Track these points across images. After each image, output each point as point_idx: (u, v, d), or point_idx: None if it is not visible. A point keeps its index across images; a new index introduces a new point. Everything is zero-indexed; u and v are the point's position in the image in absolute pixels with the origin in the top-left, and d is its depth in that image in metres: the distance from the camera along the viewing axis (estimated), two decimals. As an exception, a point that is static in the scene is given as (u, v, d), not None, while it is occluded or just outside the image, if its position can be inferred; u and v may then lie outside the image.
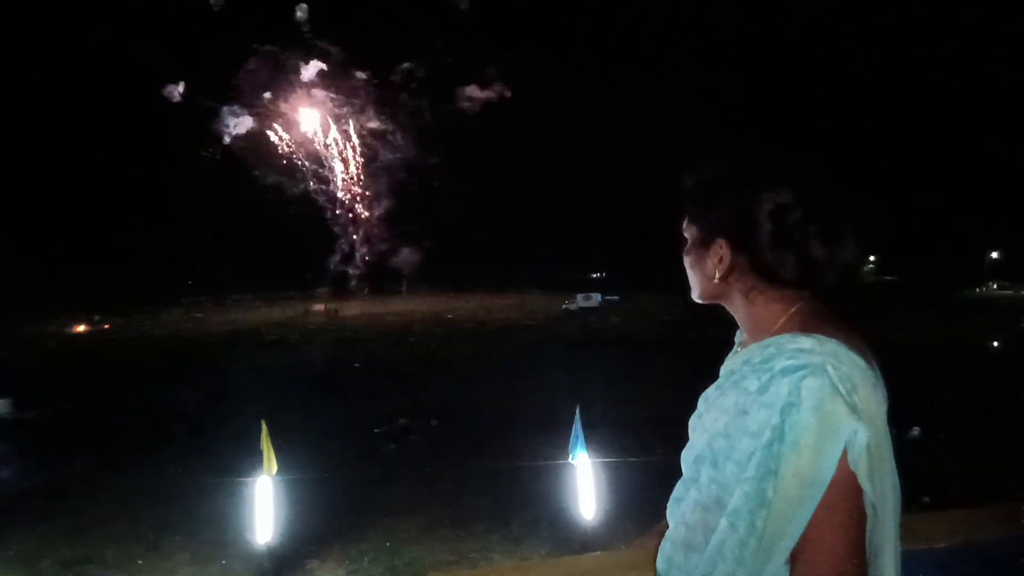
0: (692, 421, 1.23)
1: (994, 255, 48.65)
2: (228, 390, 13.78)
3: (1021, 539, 1.54)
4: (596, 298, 36.25)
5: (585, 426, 6.64)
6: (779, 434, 1.00)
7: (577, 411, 6.62)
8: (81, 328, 28.31)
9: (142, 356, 21.10)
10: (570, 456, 6.57)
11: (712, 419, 1.15)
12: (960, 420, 10.75)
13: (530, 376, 15.28)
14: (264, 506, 6.14)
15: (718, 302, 1.22)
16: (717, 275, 1.16)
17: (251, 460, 6.34)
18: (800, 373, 1.02)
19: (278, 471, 6.47)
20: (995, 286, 45.56)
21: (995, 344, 20.15)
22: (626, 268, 37.27)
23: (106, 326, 28.75)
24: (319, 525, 7.05)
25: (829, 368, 1.01)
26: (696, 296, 1.23)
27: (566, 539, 6.51)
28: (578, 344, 21.90)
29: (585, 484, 6.48)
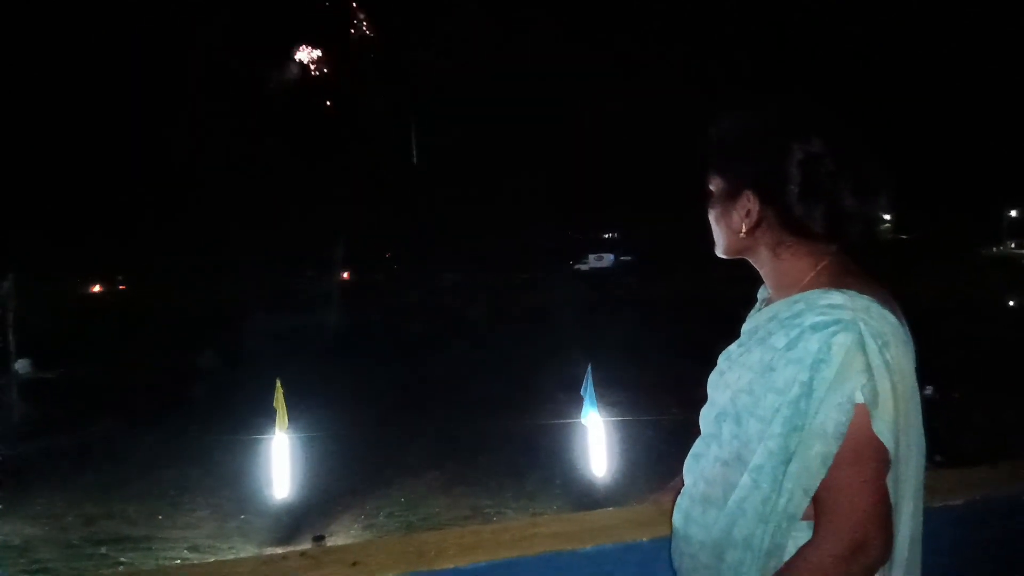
0: (712, 379, 1.21)
1: (1012, 214, 47.96)
2: (248, 352, 13.89)
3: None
4: (609, 258, 36.14)
5: (597, 386, 6.66)
6: (807, 390, 0.98)
7: (588, 371, 6.63)
8: (98, 288, 28.49)
9: (161, 317, 21.30)
10: (582, 415, 6.61)
11: (736, 376, 1.12)
12: (975, 379, 10.71)
13: (543, 337, 15.31)
14: (281, 462, 6.23)
15: (743, 257, 1.18)
16: (744, 229, 1.12)
17: (270, 419, 6.41)
18: (831, 329, 0.99)
19: (297, 429, 6.55)
20: (1012, 245, 44.99)
21: (1011, 303, 19.97)
22: (640, 228, 36.98)
23: (121, 287, 28.93)
24: (337, 481, 7.16)
25: (861, 324, 0.99)
26: (720, 251, 1.20)
27: (579, 495, 6.58)
28: (591, 305, 21.89)
29: (596, 442, 6.52)
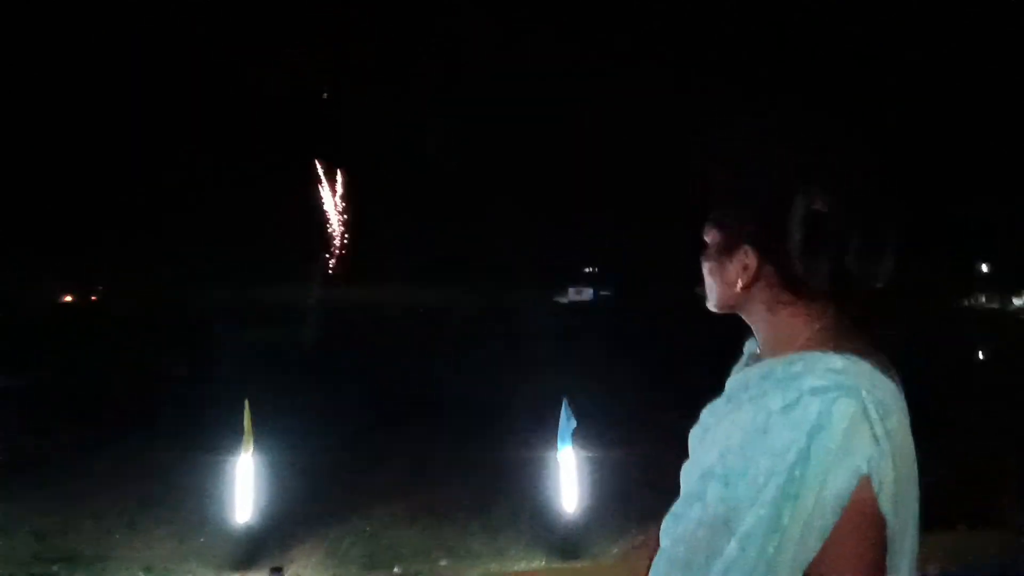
0: (695, 433, 1.14)
1: (984, 267, 48.74)
2: (219, 367, 13.64)
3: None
4: (588, 292, 36.25)
5: (572, 418, 6.54)
6: (804, 457, 0.93)
7: (564, 403, 6.52)
8: (70, 298, 28.08)
9: (133, 328, 20.93)
10: (557, 448, 6.47)
11: (724, 434, 1.05)
12: (944, 431, 10.72)
13: (519, 368, 15.20)
14: (244, 486, 6.03)
15: (736, 312, 1.13)
16: (740, 284, 1.08)
17: (236, 438, 6.23)
18: (832, 395, 0.94)
19: (263, 451, 6.37)
20: (983, 299, 45.66)
21: (980, 355, 20.16)
22: (620, 264, 37.15)
23: (93, 297, 28.50)
24: (301, 507, 6.96)
25: (863, 391, 0.94)
26: (713, 305, 1.15)
27: (546, 531, 6.43)
28: (569, 338, 21.86)
29: (568, 477, 6.38)
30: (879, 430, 0.93)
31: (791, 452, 0.94)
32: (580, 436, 6.68)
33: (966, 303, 44.29)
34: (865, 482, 0.92)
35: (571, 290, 35.69)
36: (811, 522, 0.92)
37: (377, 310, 28.60)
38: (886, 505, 0.92)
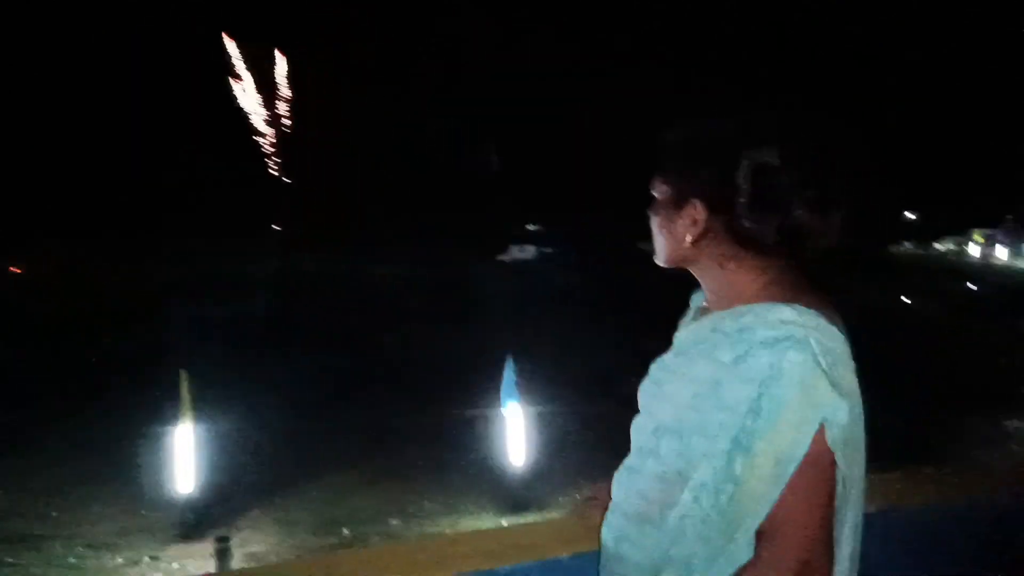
0: (646, 388, 1.14)
1: (910, 215, 50.49)
2: (168, 341, 13.26)
3: (981, 502, 1.52)
4: (531, 250, 36.31)
5: (520, 377, 6.61)
6: (756, 408, 0.93)
7: (508, 361, 6.60)
8: (17, 269, 26.80)
9: (78, 301, 20.17)
10: (501, 405, 6.53)
11: (676, 389, 1.06)
12: (884, 383, 11.12)
13: (467, 328, 15.21)
14: (185, 456, 5.91)
15: (684, 267, 1.12)
16: (689, 239, 1.07)
17: (176, 411, 6.10)
18: (782, 345, 0.94)
19: (209, 422, 6.26)
20: (909, 246, 47.41)
21: (909, 302, 20.97)
22: (564, 221, 37.32)
23: (17, 270, 27.17)
24: (250, 476, 6.90)
25: (812, 341, 0.95)
26: (661, 259, 1.14)
27: (495, 487, 6.51)
28: (512, 296, 21.92)
29: (515, 433, 6.45)
30: (830, 379, 0.94)
31: (743, 404, 0.94)
32: (525, 393, 6.74)
33: (891, 250, 45.97)
34: (819, 431, 0.93)
35: (514, 248, 35.71)
36: (765, 472, 0.93)
37: (325, 279, 28.21)
38: (838, 453, 0.94)
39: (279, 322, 17.59)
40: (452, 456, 7.47)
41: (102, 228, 29.71)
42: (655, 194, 1.13)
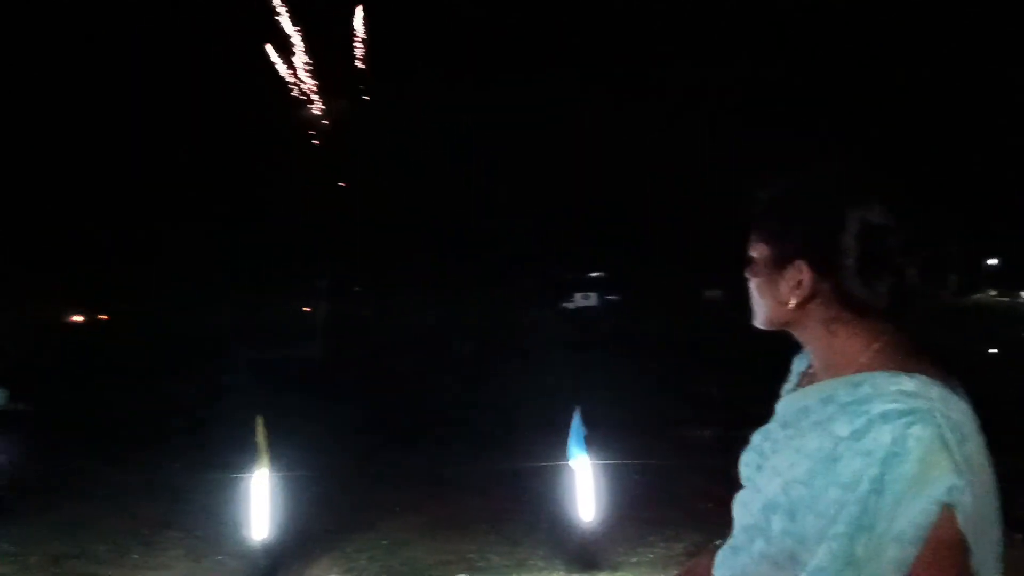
0: (749, 459, 1.12)
1: (991, 262, 48.60)
2: (228, 385, 13.68)
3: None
4: (595, 297, 36.16)
5: (585, 428, 6.54)
6: (878, 487, 0.89)
7: (576, 413, 6.52)
8: (79, 317, 28.14)
9: (141, 348, 20.99)
10: (568, 457, 6.47)
11: (786, 463, 1.02)
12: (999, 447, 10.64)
13: (529, 376, 15.19)
14: (260, 502, 6.04)
15: (786, 330, 1.10)
16: (793, 302, 1.04)
17: (249, 456, 6.25)
18: (906, 420, 0.91)
19: (277, 467, 6.38)
20: (993, 293, 45.52)
21: (994, 351, 20.06)
22: (627, 268, 37.04)
23: (103, 316, 28.59)
24: (317, 522, 6.98)
25: (937, 415, 0.91)
26: (761, 322, 1.11)
27: (564, 541, 6.42)
28: (578, 344, 21.83)
29: (584, 486, 6.38)
30: (958, 456, 0.90)
31: (863, 482, 0.90)
32: (593, 445, 6.68)
33: (975, 297, 44.12)
34: (946, 511, 0.88)
35: (577, 296, 35.64)
36: (887, 555, 0.89)
37: (381, 324, 28.61)
38: (968, 533, 0.89)
39: (335, 366, 17.95)
40: (513, 508, 7.42)
41: (174, 278, 30.84)
42: (752, 253, 1.10)
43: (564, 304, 35.49)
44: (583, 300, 35.77)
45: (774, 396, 1.20)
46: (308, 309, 30.82)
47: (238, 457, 6.73)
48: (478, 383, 15.22)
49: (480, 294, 33.89)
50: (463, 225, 37.93)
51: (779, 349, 1.20)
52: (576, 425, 6.51)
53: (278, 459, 6.44)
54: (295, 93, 36.59)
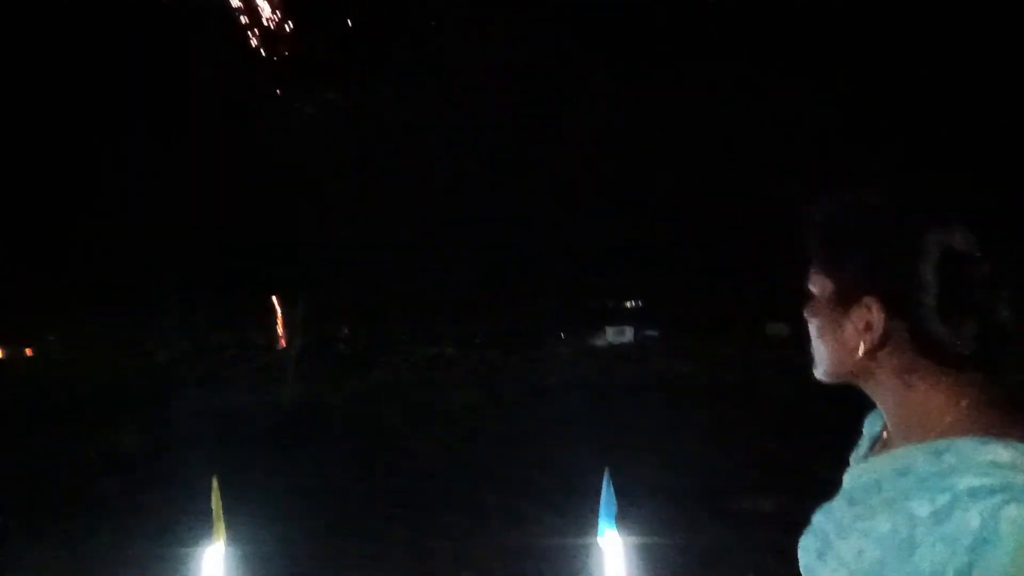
0: (808, 545, 1.12)
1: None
2: (176, 436, 13.74)
3: None
4: (630, 331, 36.05)
5: (615, 495, 6.52)
6: None
7: (605, 476, 6.50)
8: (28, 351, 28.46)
9: (71, 389, 21.11)
10: (599, 533, 6.45)
11: (852, 550, 1.01)
12: None
13: (547, 429, 15.15)
14: (214, 584, 6.05)
15: (854, 382, 1.09)
16: (862, 348, 1.03)
17: (199, 524, 6.28)
18: (998, 498, 0.89)
19: (235, 539, 6.39)
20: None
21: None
22: (669, 296, 37.02)
23: (28, 351, 28.84)
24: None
25: None
26: (823, 373, 1.11)
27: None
28: (608, 389, 21.75)
29: (613, 569, 6.35)
30: None
31: (948, 573, 0.89)
32: (626, 517, 6.66)
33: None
34: None
35: (609, 330, 35.57)
36: None
37: (367, 363, 28.68)
38: None
39: (307, 415, 17.95)
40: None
41: (108, 299, 31.13)
42: (812, 289, 1.10)
43: (592, 340, 35.45)
44: (615, 335, 35.71)
45: (846, 458, 1.21)
46: (282, 343, 30.92)
47: (187, 527, 6.76)
48: (481, 436, 15.19)
49: (488, 325, 33.85)
50: (469, 238, 38.02)
51: (857, 400, 1.20)
52: (605, 492, 6.48)
53: (235, 529, 6.48)
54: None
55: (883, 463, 1.04)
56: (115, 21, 35.40)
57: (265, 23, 37.40)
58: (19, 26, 34.33)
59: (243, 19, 38.21)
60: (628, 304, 41.06)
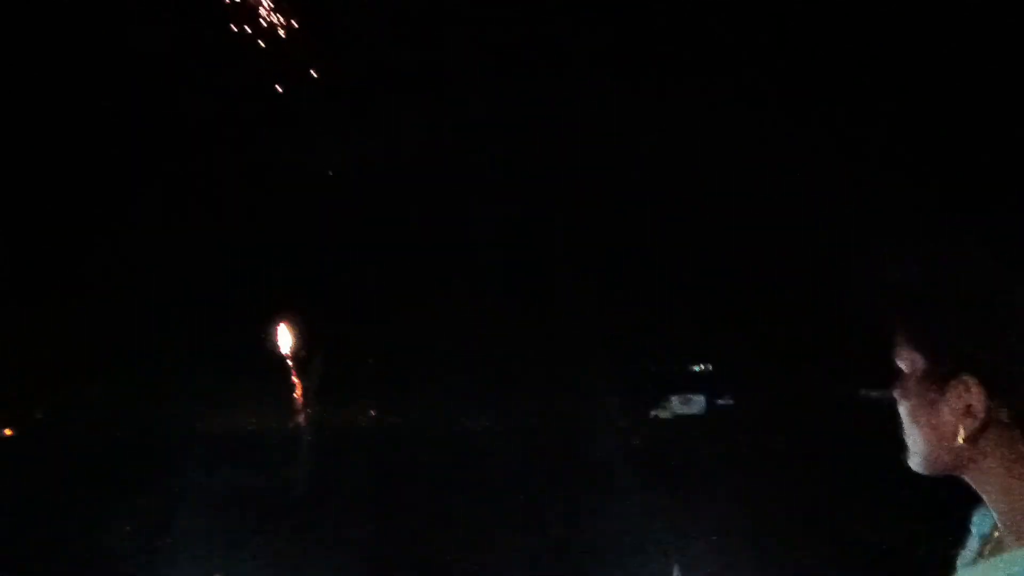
0: None
1: None
2: (176, 525, 13.85)
3: None
4: (699, 401, 35.74)
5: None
6: None
7: (675, 571, 6.54)
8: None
9: (60, 466, 21.35)
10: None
11: None
12: None
13: (598, 519, 15.06)
14: None
15: (956, 474, 1.07)
16: (961, 434, 1.01)
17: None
18: None
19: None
20: None
21: None
22: (746, 358, 36.76)
23: (7, 431, 29.32)
24: None
25: None
26: (919, 464, 1.09)
27: None
28: (673, 471, 21.61)
29: None
30: None
31: None
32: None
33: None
34: None
35: (674, 399, 35.31)
36: None
37: (384, 436, 28.74)
38: None
39: (324, 499, 17.96)
40: None
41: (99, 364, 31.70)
42: (900, 365, 1.09)
43: (654, 411, 35.31)
44: (682, 405, 35.54)
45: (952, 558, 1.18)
46: (299, 417, 31.10)
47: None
48: (527, 524, 15.16)
49: (526, 390, 33.77)
50: (505, 287, 38.09)
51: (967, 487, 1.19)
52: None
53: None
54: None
55: (994, 569, 1.02)
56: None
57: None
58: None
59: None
60: (697, 368, 40.64)
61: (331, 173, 37.72)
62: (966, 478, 1.07)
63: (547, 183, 37.87)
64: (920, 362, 1.04)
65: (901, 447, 1.12)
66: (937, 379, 1.02)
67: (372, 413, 35.25)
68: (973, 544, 1.13)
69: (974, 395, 0.99)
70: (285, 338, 32.02)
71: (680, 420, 34.00)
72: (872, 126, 32.20)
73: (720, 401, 36.33)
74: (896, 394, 1.09)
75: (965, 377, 0.99)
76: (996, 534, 1.07)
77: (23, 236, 34.95)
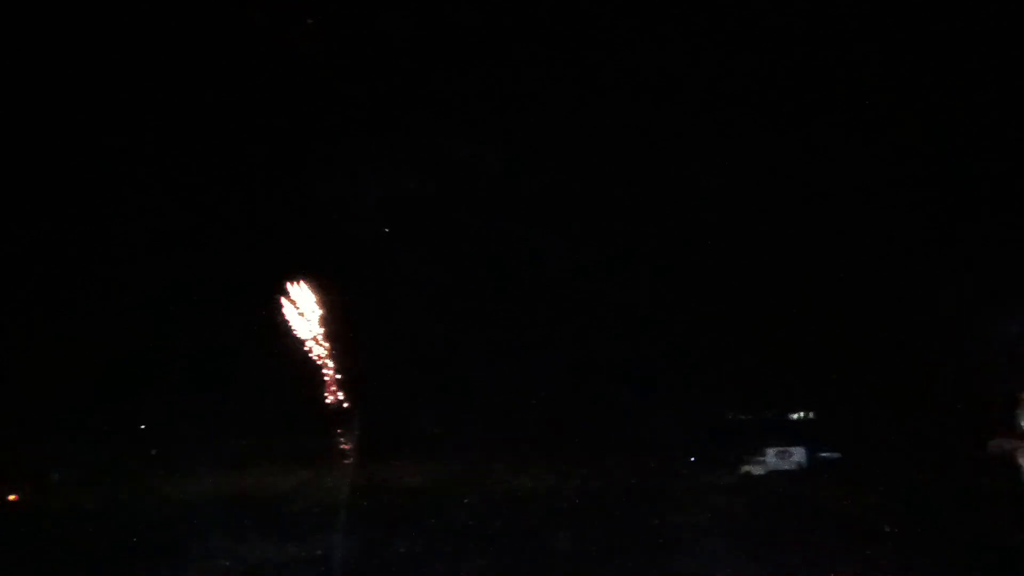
0: None
1: None
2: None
3: None
4: (800, 454, 35.88)
5: None
6: None
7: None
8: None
9: (70, 544, 22.20)
10: None
11: None
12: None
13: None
14: None
15: None
16: None
17: None
18: None
19: None
20: None
21: None
22: (852, 406, 37.01)
23: (12, 496, 30.47)
24: None
25: None
26: None
27: None
28: (770, 535, 21.85)
29: None
30: None
31: None
32: None
33: None
34: None
35: (769, 452, 35.55)
36: None
37: (424, 495, 29.25)
38: None
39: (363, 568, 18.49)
40: None
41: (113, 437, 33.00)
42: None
43: (746, 466, 35.61)
44: (778, 459, 35.82)
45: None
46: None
47: None
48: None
49: (590, 446, 34.10)
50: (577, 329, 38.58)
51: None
52: None
53: None
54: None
55: None
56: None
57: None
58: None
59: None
60: (796, 416, 40.62)
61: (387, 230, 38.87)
62: None
63: (635, 227, 38.60)
64: None
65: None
66: None
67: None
68: None
69: None
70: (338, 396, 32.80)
71: (776, 475, 34.20)
72: (985, 180, 32.93)
73: (823, 453, 36.44)
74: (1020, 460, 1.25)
75: None
76: None
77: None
